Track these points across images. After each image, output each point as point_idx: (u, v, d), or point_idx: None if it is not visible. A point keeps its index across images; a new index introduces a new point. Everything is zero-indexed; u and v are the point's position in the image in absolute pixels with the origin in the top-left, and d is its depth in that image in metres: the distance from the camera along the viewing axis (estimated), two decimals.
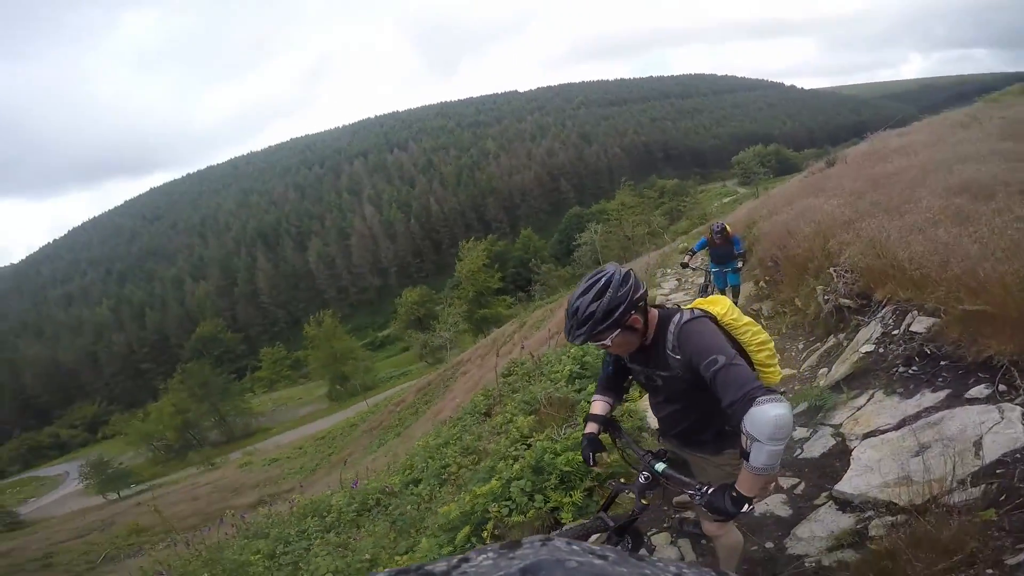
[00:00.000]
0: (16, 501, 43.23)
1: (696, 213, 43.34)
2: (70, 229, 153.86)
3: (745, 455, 1.42)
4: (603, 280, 1.62)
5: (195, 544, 5.61)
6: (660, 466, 1.72)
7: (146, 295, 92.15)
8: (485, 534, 3.17)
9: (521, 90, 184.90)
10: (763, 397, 1.37)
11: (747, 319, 1.83)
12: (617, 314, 1.58)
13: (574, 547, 0.49)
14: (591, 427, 1.97)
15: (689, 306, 1.82)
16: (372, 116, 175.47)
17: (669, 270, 12.15)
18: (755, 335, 1.80)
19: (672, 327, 1.66)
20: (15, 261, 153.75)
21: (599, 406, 2.01)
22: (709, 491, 1.49)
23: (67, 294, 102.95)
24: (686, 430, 1.87)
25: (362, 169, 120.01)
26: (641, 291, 1.64)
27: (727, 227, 6.30)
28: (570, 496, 3.18)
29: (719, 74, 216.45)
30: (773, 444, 1.36)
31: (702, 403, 1.70)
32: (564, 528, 2.81)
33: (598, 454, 1.93)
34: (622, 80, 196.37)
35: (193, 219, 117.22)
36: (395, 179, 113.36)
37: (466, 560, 0.46)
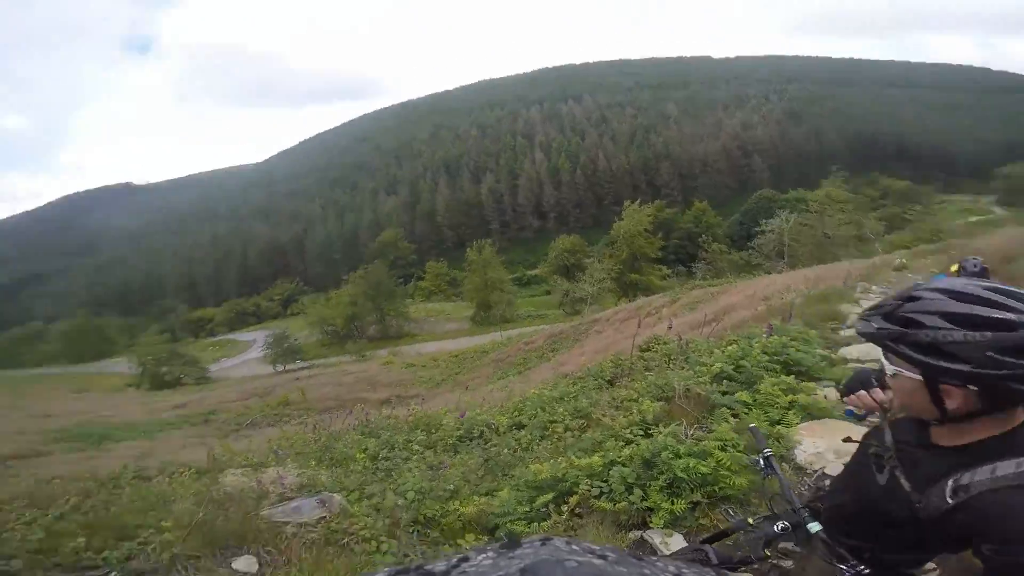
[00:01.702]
0: (211, 360, 52.19)
1: (927, 227, 34.87)
2: (300, 140, 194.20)
3: None
4: (1011, 317, 0.88)
5: (319, 429, 6.11)
6: (815, 527, 1.31)
7: (348, 200, 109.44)
8: (566, 508, 3.01)
9: (715, 56, 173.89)
10: None
11: None
12: (942, 363, 0.91)
13: (574, 547, 0.49)
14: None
15: None
16: (550, 66, 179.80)
17: (874, 287, 9.43)
18: None
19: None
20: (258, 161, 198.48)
21: None
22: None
23: (292, 191, 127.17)
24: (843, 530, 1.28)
25: (537, 116, 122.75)
26: None
27: (988, 270, 4.13)
28: (672, 503, 2.78)
29: (993, 69, 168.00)
30: None
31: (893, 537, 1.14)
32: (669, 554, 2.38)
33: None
34: (854, 60, 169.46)
35: (392, 144, 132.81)
36: (567, 129, 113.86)
37: (466, 559, 0.47)
